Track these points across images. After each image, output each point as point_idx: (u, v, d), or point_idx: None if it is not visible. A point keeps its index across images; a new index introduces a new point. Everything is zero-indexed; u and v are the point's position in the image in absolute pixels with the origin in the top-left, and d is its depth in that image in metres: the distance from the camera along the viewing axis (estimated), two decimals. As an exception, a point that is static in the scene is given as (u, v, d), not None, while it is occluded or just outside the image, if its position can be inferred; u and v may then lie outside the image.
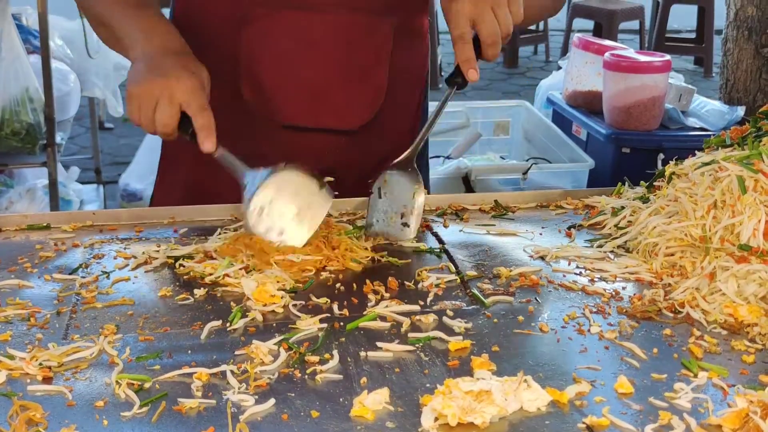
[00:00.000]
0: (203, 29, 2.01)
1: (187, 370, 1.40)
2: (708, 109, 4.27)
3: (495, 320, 1.56)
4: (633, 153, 4.07)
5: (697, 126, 4.16)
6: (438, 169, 4.08)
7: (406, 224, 1.85)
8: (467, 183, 3.96)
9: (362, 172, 2.01)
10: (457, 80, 1.82)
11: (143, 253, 1.80)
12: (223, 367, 1.41)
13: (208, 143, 1.75)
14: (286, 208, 1.77)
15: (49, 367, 1.41)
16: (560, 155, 4.24)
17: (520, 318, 1.56)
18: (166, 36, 1.90)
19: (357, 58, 2.04)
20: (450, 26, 1.81)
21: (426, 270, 1.74)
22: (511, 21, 1.78)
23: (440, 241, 1.89)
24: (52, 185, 3.47)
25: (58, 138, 3.77)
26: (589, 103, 4.41)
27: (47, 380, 1.38)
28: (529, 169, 3.98)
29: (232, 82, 2.03)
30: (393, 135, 2.13)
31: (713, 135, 3.99)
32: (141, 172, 4.98)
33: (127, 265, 1.77)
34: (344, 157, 2.10)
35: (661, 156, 4.00)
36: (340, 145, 2.10)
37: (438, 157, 4.37)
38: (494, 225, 1.98)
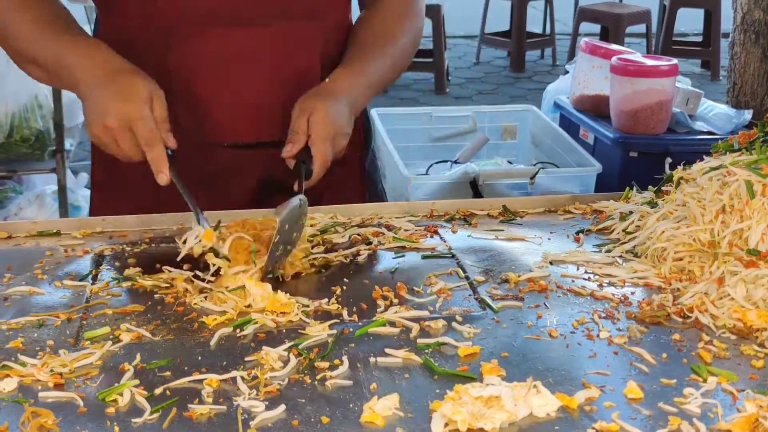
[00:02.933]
0: (130, 54, 1.90)
1: (197, 376, 1.41)
2: (715, 113, 4.26)
3: (504, 325, 1.56)
4: (640, 157, 4.06)
5: (705, 130, 4.15)
6: (445, 174, 4.08)
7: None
8: (475, 187, 3.96)
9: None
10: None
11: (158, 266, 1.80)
12: (234, 373, 1.41)
13: (160, 176, 1.76)
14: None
15: (61, 374, 1.41)
16: (568, 159, 4.24)
17: (529, 323, 1.57)
18: (108, 56, 1.86)
19: (291, 66, 2.03)
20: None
21: (435, 275, 1.74)
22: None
23: (449, 246, 1.89)
24: (62, 191, 3.48)
25: (67, 144, 3.78)
26: (596, 108, 4.40)
27: (59, 387, 1.39)
28: (536, 173, 3.97)
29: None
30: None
31: (721, 139, 4.00)
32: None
33: (137, 271, 1.78)
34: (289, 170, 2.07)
35: (669, 160, 3.97)
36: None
37: (445, 161, 4.37)
38: (503, 230, 1.98)
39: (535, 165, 4.19)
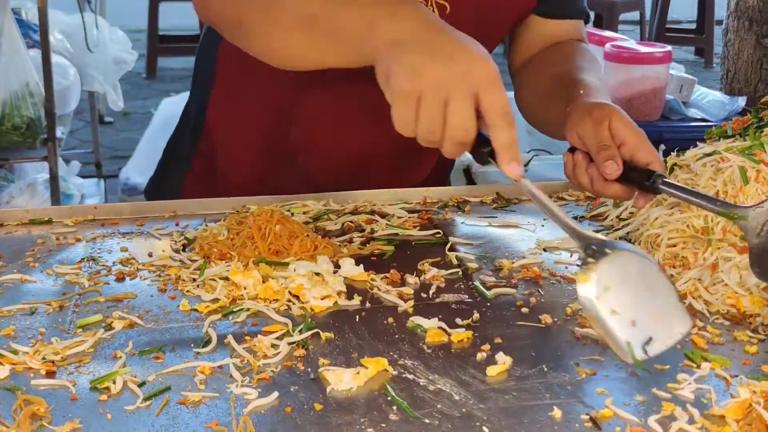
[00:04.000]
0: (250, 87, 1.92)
1: (190, 363, 1.40)
2: (709, 100, 4.28)
3: (497, 312, 1.56)
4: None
5: (698, 117, 4.17)
6: (439, 161, 4.08)
7: None
8: (468, 175, 3.97)
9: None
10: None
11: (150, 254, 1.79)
12: (226, 360, 1.41)
13: (514, 166, 1.39)
14: (632, 296, 1.28)
15: (53, 361, 1.41)
16: (561, 146, 4.23)
17: (524, 310, 1.56)
18: (418, 9, 1.45)
19: None
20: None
21: (428, 262, 1.74)
22: None
23: (442, 233, 1.89)
24: (53, 179, 3.47)
25: (59, 132, 3.77)
26: (589, 95, 4.40)
27: (51, 374, 1.38)
28: (530, 161, 3.97)
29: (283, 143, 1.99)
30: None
31: (714, 125, 4.01)
32: (141, 166, 4.98)
33: (129, 259, 1.77)
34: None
35: (663, 147, 3.99)
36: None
37: (439, 149, 4.36)
38: (496, 217, 1.98)
39: (529, 152, 4.19)
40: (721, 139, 1.85)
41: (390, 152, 2.05)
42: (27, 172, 4.35)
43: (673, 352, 1.42)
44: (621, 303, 1.24)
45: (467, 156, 3.82)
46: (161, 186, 2.32)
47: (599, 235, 1.34)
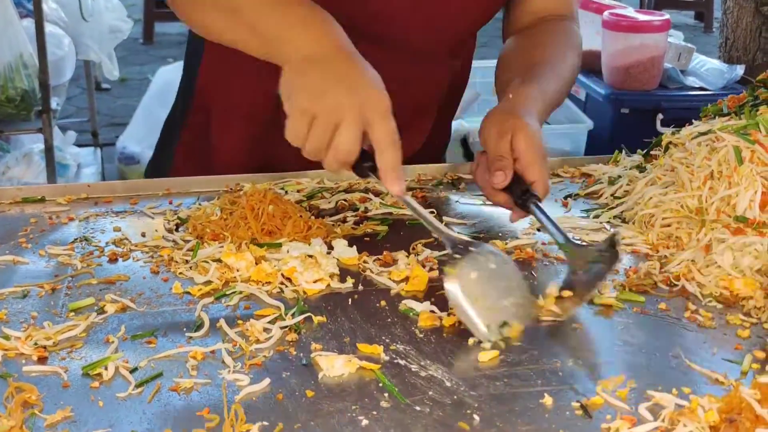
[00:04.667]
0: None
1: (182, 348, 1.40)
2: (707, 68, 4.25)
3: (490, 295, 1.56)
4: (632, 113, 4.06)
5: (697, 86, 4.15)
6: (436, 131, 4.06)
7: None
8: (465, 145, 3.96)
9: None
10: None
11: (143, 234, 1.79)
12: (219, 345, 1.41)
13: (397, 185, 1.49)
14: (490, 287, 1.45)
15: (45, 347, 1.40)
16: (558, 116, 4.22)
17: (516, 292, 1.56)
18: (334, 31, 1.55)
19: (409, 100, 1.88)
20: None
21: (421, 243, 1.73)
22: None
23: (437, 212, 1.88)
24: (48, 151, 3.45)
25: (54, 103, 3.75)
26: (588, 63, 4.37)
27: (42, 360, 1.38)
28: (527, 130, 3.96)
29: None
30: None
31: (712, 95, 3.99)
32: (138, 134, 4.97)
33: (122, 239, 1.77)
34: None
35: (660, 116, 4.00)
36: None
37: (436, 117, 4.35)
38: (490, 195, 1.97)
39: (525, 122, 4.17)
40: (717, 117, 1.84)
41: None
42: (23, 142, 4.34)
43: (665, 337, 1.43)
44: (481, 292, 1.42)
45: (465, 126, 3.79)
46: (159, 164, 2.30)
47: (466, 238, 1.51)
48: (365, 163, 1.49)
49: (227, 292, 1.56)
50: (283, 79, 1.51)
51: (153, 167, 2.33)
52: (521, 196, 1.65)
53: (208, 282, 1.60)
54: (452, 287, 1.41)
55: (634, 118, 4.04)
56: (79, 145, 4.90)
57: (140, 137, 4.90)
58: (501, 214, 1.87)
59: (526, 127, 1.68)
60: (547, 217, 1.62)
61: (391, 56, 1.82)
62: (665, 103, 4.02)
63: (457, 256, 1.45)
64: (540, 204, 1.64)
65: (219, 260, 1.64)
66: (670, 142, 1.85)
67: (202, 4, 1.69)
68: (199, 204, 1.89)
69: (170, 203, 1.94)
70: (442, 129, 2.25)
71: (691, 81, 4.16)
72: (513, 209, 1.70)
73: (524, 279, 1.49)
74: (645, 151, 2.01)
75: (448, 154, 3.89)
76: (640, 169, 1.94)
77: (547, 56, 1.93)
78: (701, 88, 4.12)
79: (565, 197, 1.96)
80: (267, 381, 1.31)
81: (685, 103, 4.03)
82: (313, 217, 1.79)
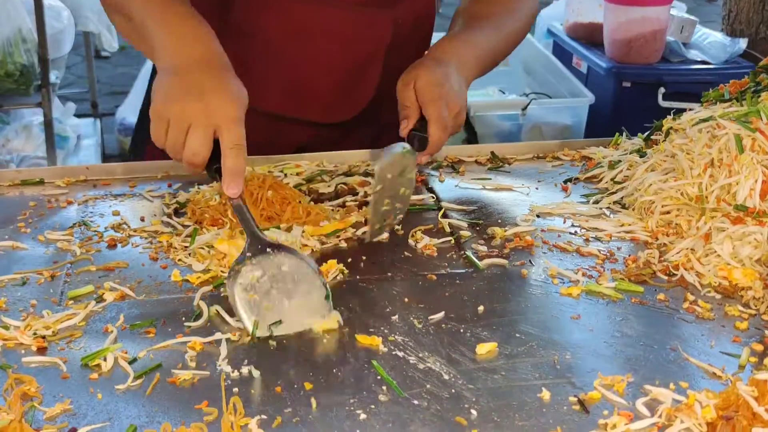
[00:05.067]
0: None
1: (181, 339, 1.40)
2: (710, 42, 4.22)
3: (488, 284, 1.56)
4: (634, 87, 4.04)
5: (699, 59, 4.12)
6: (436, 105, 4.04)
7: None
8: (467, 119, 3.94)
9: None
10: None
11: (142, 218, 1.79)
12: (217, 336, 1.41)
13: (233, 188, 1.51)
14: (276, 286, 1.48)
15: (44, 337, 1.41)
16: (560, 89, 4.21)
17: (515, 282, 1.56)
18: (202, 43, 1.63)
19: (352, 54, 1.98)
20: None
21: (421, 231, 1.73)
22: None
23: (436, 197, 1.88)
24: (48, 126, 3.43)
25: (53, 77, 3.72)
26: (590, 36, 4.36)
27: (41, 350, 1.38)
28: (528, 104, 3.95)
29: None
30: (382, 127, 2.09)
31: (715, 68, 3.96)
32: (138, 105, 4.93)
33: (121, 224, 1.77)
34: (329, 148, 2.07)
35: (662, 90, 3.97)
36: (325, 136, 2.08)
37: (437, 89, 4.32)
38: (490, 179, 1.97)
39: (527, 95, 4.16)
40: (718, 102, 1.83)
41: (334, 74, 2.02)
42: (22, 114, 4.30)
43: (663, 329, 1.43)
44: (262, 290, 1.46)
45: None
46: (139, 142, 2.28)
47: (272, 240, 1.53)
48: (215, 165, 1.54)
49: (220, 282, 1.56)
50: (154, 85, 1.61)
51: (136, 140, 2.33)
52: (412, 131, 1.75)
53: (207, 270, 1.59)
54: (229, 283, 1.47)
55: (636, 91, 4.02)
56: (79, 116, 4.88)
57: (139, 109, 4.88)
58: (501, 199, 1.88)
59: (428, 71, 1.77)
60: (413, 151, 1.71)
61: (329, 11, 1.93)
62: (667, 77, 3.99)
63: (249, 254, 1.49)
64: (416, 143, 1.72)
65: (212, 247, 1.64)
66: (671, 128, 1.84)
67: (110, 9, 1.82)
68: (198, 188, 1.89)
69: (169, 186, 1.94)
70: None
71: (693, 54, 4.14)
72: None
73: (324, 285, 1.48)
74: (646, 135, 2.00)
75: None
76: (641, 153, 1.94)
77: (491, 13, 1.98)
78: (704, 62, 4.09)
79: (565, 181, 1.95)
80: (266, 373, 1.32)
81: (687, 77, 4.00)
82: (312, 203, 1.79)
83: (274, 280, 1.48)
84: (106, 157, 4.93)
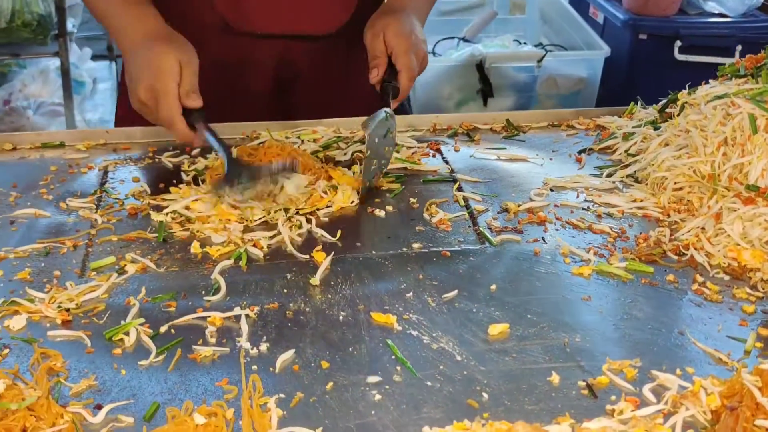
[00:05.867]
0: None
1: (201, 313, 1.44)
2: (728, -6, 4.19)
3: (501, 261, 1.59)
4: (650, 39, 4.02)
5: (716, 12, 4.09)
6: (452, 56, 4.04)
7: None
8: (481, 70, 3.94)
9: (330, 78, 2.07)
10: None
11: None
12: (237, 311, 1.44)
13: (195, 101, 1.72)
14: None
15: (68, 309, 1.45)
16: (576, 40, 4.19)
17: (527, 259, 1.59)
18: (152, 22, 1.83)
19: None
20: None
21: (435, 204, 1.75)
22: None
23: (451, 168, 1.90)
24: (65, 75, 3.45)
25: (70, 25, 3.72)
26: (607, -14, 4.32)
27: (66, 324, 1.42)
28: (544, 56, 3.94)
29: None
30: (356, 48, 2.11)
31: (732, 21, 3.93)
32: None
33: (141, 191, 1.80)
34: (315, 63, 2.10)
35: (679, 43, 3.95)
36: (312, 51, 2.09)
37: (452, 38, 4.32)
38: (505, 148, 1.98)
39: (543, 46, 4.15)
40: (733, 78, 1.84)
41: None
42: (40, 59, 4.31)
43: (672, 311, 1.46)
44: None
45: (480, 50, 3.75)
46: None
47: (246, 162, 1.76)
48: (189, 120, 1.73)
49: (236, 255, 1.59)
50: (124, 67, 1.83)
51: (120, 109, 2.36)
52: (383, 81, 1.86)
53: (227, 242, 1.63)
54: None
55: (652, 44, 4.00)
56: (94, 58, 4.88)
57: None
58: (515, 170, 1.90)
59: (396, 22, 1.90)
60: (387, 103, 1.82)
61: None
62: (684, 29, 3.97)
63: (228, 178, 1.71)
64: (390, 93, 1.84)
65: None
66: (686, 102, 1.85)
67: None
68: (216, 155, 1.91)
69: (188, 152, 1.96)
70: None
71: (710, 6, 4.11)
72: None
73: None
74: (660, 106, 2.01)
75: (465, 76, 3.88)
76: (655, 126, 1.95)
77: None
78: (721, 15, 4.07)
79: (579, 152, 1.97)
80: (283, 351, 1.35)
81: (704, 30, 3.98)
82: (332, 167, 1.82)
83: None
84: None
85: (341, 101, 1.94)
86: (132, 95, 1.76)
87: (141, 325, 1.41)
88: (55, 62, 4.03)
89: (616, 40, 4.08)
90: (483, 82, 3.97)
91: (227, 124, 2.04)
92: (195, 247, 1.62)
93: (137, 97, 1.74)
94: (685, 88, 1.94)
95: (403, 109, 2.21)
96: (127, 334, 1.39)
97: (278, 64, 2.09)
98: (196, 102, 1.72)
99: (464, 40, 4.30)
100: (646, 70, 3.97)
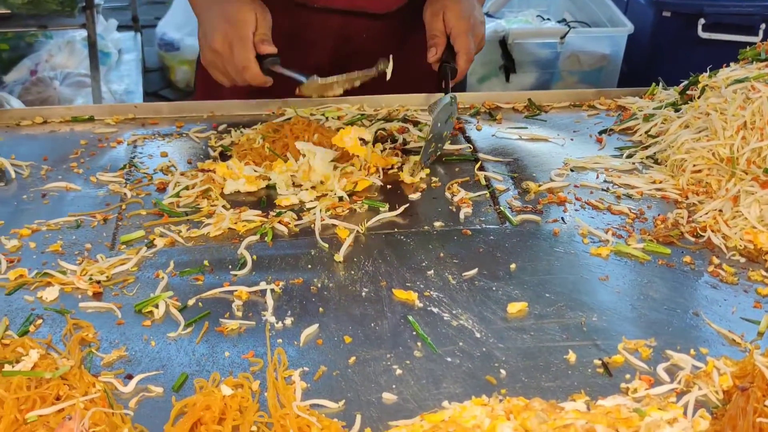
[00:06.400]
0: None
1: (228, 287, 1.48)
2: (753, -29, 4.17)
3: (522, 241, 1.62)
4: (673, 17, 4.01)
5: (741, -11, 4.07)
6: (475, 31, 4.05)
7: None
8: (504, 46, 3.95)
9: (386, 56, 2.05)
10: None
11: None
12: (263, 286, 1.48)
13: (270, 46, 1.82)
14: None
15: (99, 282, 1.49)
16: (600, 16, 4.19)
17: (547, 240, 1.62)
18: None
19: None
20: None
21: (457, 183, 1.79)
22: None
23: (473, 147, 1.93)
24: (92, 47, 3.48)
25: (96, -2, 3.75)
26: (632, -37, 4.31)
27: (97, 296, 1.47)
28: (567, 33, 3.95)
29: None
30: (411, 27, 2.14)
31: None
32: (178, 21, 4.97)
33: (169, 166, 1.84)
34: (372, 41, 2.12)
35: (702, 21, 3.94)
36: (370, 28, 2.12)
37: (475, 13, 4.32)
38: (527, 128, 2.01)
39: (566, 22, 4.15)
40: (754, 62, 1.85)
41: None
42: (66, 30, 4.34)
43: (687, 292, 1.49)
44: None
45: (503, 26, 3.76)
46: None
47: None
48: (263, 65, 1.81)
49: (263, 231, 1.63)
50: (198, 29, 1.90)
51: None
52: (442, 62, 1.89)
53: (252, 220, 1.66)
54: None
55: (676, 22, 3.99)
56: (119, 28, 4.91)
57: (180, 24, 4.91)
58: (536, 150, 1.93)
59: (455, 3, 1.92)
60: (447, 84, 1.85)
61: None
62: (708, 7, 3.96)
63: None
64: (449, 74, 1.87)
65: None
66: (707, 85, 1.87)
67: None
68: (241, 131, 1.95)
69: (214, 128, 2.00)
70: None
71: (735, -16, 4.09)
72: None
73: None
74: (681, 88, 2.03)
75: (488, 53, 3.89)
76: (676, 107, 1.97)
77: None
78: (745, -8, 4.05)
79: (600, 133, 2.00)
80: (308, 325, 1.39)
81: (728, 8, 3.97)
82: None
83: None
84: (146, 71, 4.98)
85: (395, 80, 1.96)
86: (205, 49, 1.84)
87: (170, 297, 1.45)
88: (81, 33, 4.06)
89: (639, 17, 4.07)
90: (506, 58, 3.99)
91: (256, 101, 2.08)
92: (219, 219, 1.65)
93: (211, 47, 1.82)
94: (707, 67, 1.95)
95: None
96: (156, 306, 1.44)
97: (336, 40, 2.12)
98: (270, 48, 1.81)
99: (487, 15, 4.31)
100: (669, 47, 3.96)
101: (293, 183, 1.77)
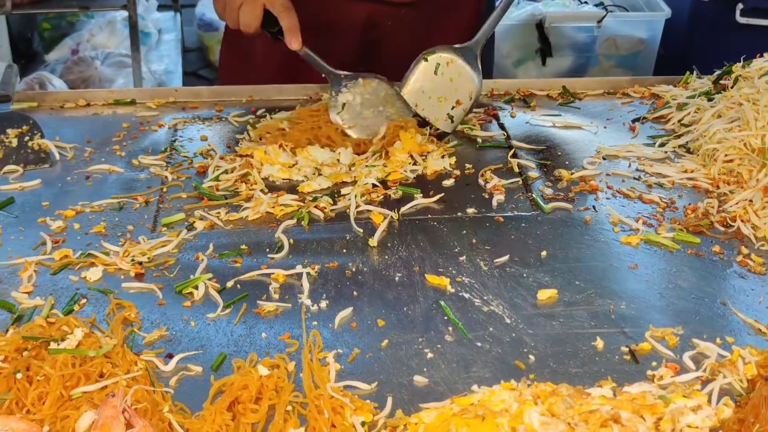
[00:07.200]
0: None
1: (265, 270, 1.52)
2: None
3: (553, 228, 1.65)
4: (711, 1, 3.98)
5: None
6: (511, 15, 4.05)
7: (451, 117, 1.92)
8: (541, 30, 3.95)
9: (412, 45, 2.07)
10: None
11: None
12: (299, 269, 1.52)
13: (295, 43, 1.87)
14: (365, 110, 1.91)
15: (141, 263, 1.54)
16: (636, 3, 4.18)
17: (578, 227, 1.65)
18: None
19: None
20: None
21: (490, 170, 1.81)
22: None
23: (507, 134, 1.95)
24: (133, 28, 3.53)
25: (138, -23, 3.79)
26: (670, -54, 4.29)
27: (139, 276, 1.51)
28: (604, 17, 3.94)
29: None
30: (452, 13, 2.17)
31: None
32: (217, 1, 5.00)
33: (209, 150, 1.88)
34: (399, 29, 2.16)
35: (740, 6, 3.92)
36: (397, 16, 2.15)
37: (512, -4, 4.32)
38: (560, 116, 2.03)
39: (603, 6, 4.14)
40: (789, 53, 1.87)
41: None
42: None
43: (716, 281, 1.51)
44: (355, 113, 1.91)
45: (540, 9, 3.76)
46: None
47: (348, 73, 1.92)
48: (272, 29, 1.88)
49: (299, 215, 1.66)
50: None
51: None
52: None
53: (289, 204, 1.70)
54: (332, 112, 1.90)
55: (714, 7, 3.96)
56: (160, 8, 4.96)
57: (219, 4, 4.94)
58: (569, 138, 1.95)
59: None
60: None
61: None
62: (742, -10, 3.93)
63: (344, 89, 1.91)
64: None
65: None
66: (740, 75, 1.88)
67: None
68: (271, 117, 1.99)
69: (253, 112, 2.04)
70: None
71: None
72: None
73: (396, 96, 1.92)
74: (715, 77, 2.04)
75: (524, 35, 3.89)
76: (709, 96, 1.98)
77: None
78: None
79: (633, 121, 2.01)
80: (342, 308, 1.43)
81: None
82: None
83: (367, 101, 1.90)
84: (185, 51, 5.02)
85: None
86: None
87: (209, 279, 1.50)
88: (122, 13, 4.12)
89: (676, 1, 4.06)
90: (542, 41, 3.99)
91: (288, 86, 2.12)
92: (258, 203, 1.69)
93: None
94: (744, 54, 1.96)
95: None
96: (196, 287, 1.48)
97: (363, 28, 2.15)
98: (292, 19, 1.86)
99: (524, -2, 4.31)
100: (707, 32, 3.94)
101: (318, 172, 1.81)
